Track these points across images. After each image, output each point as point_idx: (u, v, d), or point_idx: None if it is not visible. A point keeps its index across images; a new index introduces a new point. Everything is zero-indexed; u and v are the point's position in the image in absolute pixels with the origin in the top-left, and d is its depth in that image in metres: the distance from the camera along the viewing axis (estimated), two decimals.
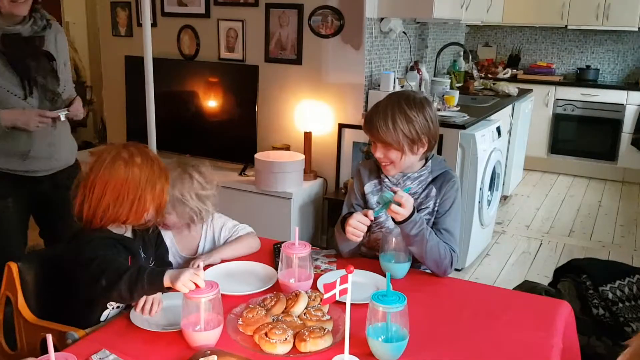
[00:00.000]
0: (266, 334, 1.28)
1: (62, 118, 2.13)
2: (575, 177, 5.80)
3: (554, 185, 5.58)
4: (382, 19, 3.50)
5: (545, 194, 5.30)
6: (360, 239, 1.72)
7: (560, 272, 2.34)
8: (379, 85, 3.50)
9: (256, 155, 3.42)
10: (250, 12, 3.63)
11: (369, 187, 1.89)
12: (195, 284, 1.29)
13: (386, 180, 1.85)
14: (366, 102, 3.50)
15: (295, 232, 1.58)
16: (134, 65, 4.01)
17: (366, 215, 1.70)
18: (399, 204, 1.63)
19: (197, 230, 1.87)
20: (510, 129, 4.52)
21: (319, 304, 1.42)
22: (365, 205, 1.87)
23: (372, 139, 1.77)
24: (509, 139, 4.52)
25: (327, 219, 3.45)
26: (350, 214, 1.76)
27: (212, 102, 3.76)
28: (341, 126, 3.53)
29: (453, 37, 4.85)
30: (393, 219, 1.69)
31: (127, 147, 1.51)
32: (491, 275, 3.54)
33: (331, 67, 3.48)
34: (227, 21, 3.73)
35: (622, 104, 5.53)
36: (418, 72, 3.94)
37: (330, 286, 1.21)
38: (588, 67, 5.95)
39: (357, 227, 1.69)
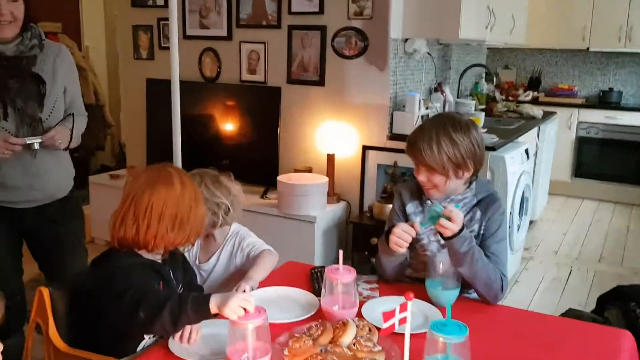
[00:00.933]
0: None
1: (36, 146, 1.90)
2: (601, 202, 5.66)
3: (580, 210, 5.44)
4: (406, 40, 3.45)
5: (571, 218, 5.17)
6: (404, 250, 1.62)
7: (605, 300, 2.22)
8: (404, 107, 3.43)
9: (279, 178, 3.35)
10: (273, 34, 3.59)
11: (410, 207, 1.81)
12: (244, 309, 1.20)
13: (428, 202, 1.77)
14: (391, 123, 3.43)
15: (340, 255, 1.50)
16: (155, 88, 3.99)
17: (412, 227, 1.61)
18: (448, 219, 1.54)
19: (217, 239, 1.89)
20: (536, 151, 4.42)
21: (368, 333, 1.33)
22: None
23: (415, 162, 1.70)
24: (534, 162, 4.41)
25: (351, 243, 3.35)
26: (389, 230, 1.67)
27: (233, 125, 3.71)
28: (365, 148, 3.45)
29: (474, 60, 4.79)
30: (441, 235, 1.60)
31: (170, 167, 1.46)
32: (523, 303, 3.40)
33: (355, 88, 3.42)
34: (249, 43, 3.69)
35: None
36: (442, 94, 3.88)
37: (389, 315, 1.11)
38: (611, 89, 5.85)
39: (401, 236, 1.60)
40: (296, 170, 3.56)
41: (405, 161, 3.31)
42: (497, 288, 1.63)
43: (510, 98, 5.77)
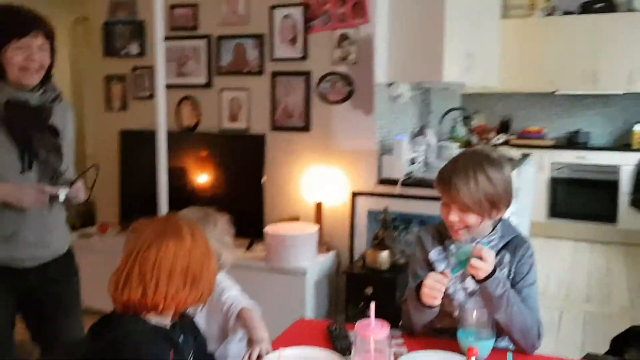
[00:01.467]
0: None
1: (62, 198, 1.85)
2: (577, 241, 5.69)
3: (558, 251, 5.44)
4: (390, 84, 3.42)
5: (551, 260, 5.15)
6: (439, 302, 1.52)
7: (621, 341, 2.13)
8: (391, 151, 3.38)
9: (266, 229, 3.21)
10: (255, 81, 3.52)
11: (434, 254, 1.70)
12: None
13: (451, 247, 1.66)
14: (379, 168, 3.35)
15: (371, 308, 1.36)
16: (130, 139, 3.84)
17: (443, 274, 1.51)
18: (480, 258, 1.44)
19: None
20: (517, 193, 4.42)
21: None
22: None
23: (447, 200, 1.60)
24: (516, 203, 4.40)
25: (344, 295, 3.20)
26: (419, 284, 1.55)
27: (215, 175, 3.58)
28: (355, 194, 3.36)
29: (451, 104, 4.82)
30: (474, 278, 1.49)
31: (177, 219, 1.31)
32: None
33: (341, 134, 3.36)
34: (231, 91, 3.61)
35: (617, 165, 5.52)
36: (424, 138, 3.85)
37: None
38: (579, 130, 5.99)
39: (434, 287, 1.49)
40: (283, 220, 3.42)
41: (396, 206, 3.23)
42: (535, 335, 1.53)
43: (484, 141, 5.83)
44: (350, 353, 1.47)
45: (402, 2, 3.30)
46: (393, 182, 3.27)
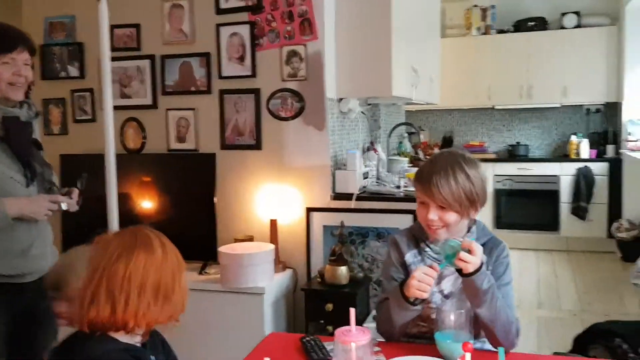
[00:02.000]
0: None
1: (64, 207, 1.90)
2: (523, 250, 5.85)
3: None
4: (340, 100, 3.44)
5: None
6: (427, 295, 1.49)
7: (585, 339, 2.18)
8: (344, 165, 3.37)
9: (220, 249, 3.11)
10: (203, 100, 3.45)
11: (410, 256, 1.67)
12: None
13: (427, 250, 1.65)
14: (333, 183, 3.34)
15: (351, 314, 1.32)
16: (71, 163, 3.67)
17: (432, 268, 1.49)
18: (469, 252, 1.43)
19: None
20: None
21: None
22: (408, 276, 1.64)
23: (426, 199, 1.58)
24: None
25: (304, 312, 3.13)
26: (403, 281, 1.53)
27: (163, 197, 3.45)
28: (309, 210, 3.32)
29: (397, 120, 4.89)
30: (460, 273, 1.49)
31: (147, 229, 1.24)
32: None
33: (294, 150, 3.32)
34: (177, 110, 3.52)
35: (557, 175, 5.75)
36: (375, 152, 3.88)
37: None
38: (518, 143, 6.21)
39: (423, 279, 1.46)
40: (237, 240, 3.33)
41: (352, 220, 3.21)
42: (514, 332, 1.54)
43: (428, 157, 5.94)
44: None
45: (350, 19, 3.33)
46: (348, 197, 3.26)
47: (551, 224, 5.79)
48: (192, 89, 3.47)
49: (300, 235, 3.34)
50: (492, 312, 1.49)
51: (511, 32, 6.02)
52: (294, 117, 3.29)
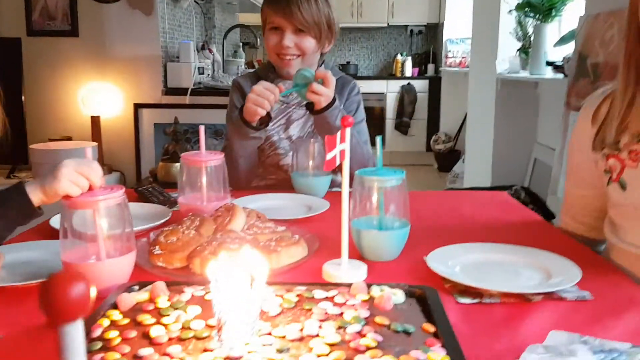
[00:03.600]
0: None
1: None
2: None
3: None
4: None
5: None
6: (264, 113, 1.31)
7: None
8: (177, 58, 3.09)
9: (32, 146, 2.69)
10: None
11: None
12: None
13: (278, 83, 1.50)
14: (165, 76, 3.05)
15: (201, 132, 1.16)
16: None
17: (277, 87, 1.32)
18: (322, 83, 1.31)
19: None
20: None
21: (257, 220, 1.01)
22: None
23: (284, 21, 1.41)
24: None
25: None
26: (243, 106, 1.36)
27: None
28: (137, 106, 3.00)
29: (231, 23, 4.61)
30: (310, 108, 1.36)
31: None
32: None
33: (118, 38, 2.95)
34: None
35: (384, 93, 5.98)
36: (210, 52, 3.63)
37: (331, 142, 0.84)
38: (348, 63, 6.32)
39: (262, 93, 1.29)
40: (51, 140, 2.92)
41: (186, 117, 2.98)
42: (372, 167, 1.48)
43: None
44: (172, 205, 1.26)
45: None
46: (182, 92, 3.01)
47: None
48: None
49: (127, 134, 3.03)
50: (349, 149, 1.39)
51: None
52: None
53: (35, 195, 0.87)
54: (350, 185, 0.90)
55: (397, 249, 0.94)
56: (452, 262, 0.89)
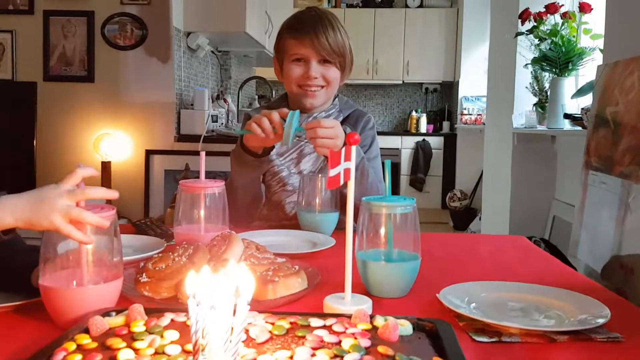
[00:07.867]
0: None
1: None
2: None
3: None
4: (188, 34, 3.15)
5: None
6: (264, 135, 1.19)
7: None
8: (191, 105, 3.10)
9: None
10: (23, 21, 2.96)
11: None
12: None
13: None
14: (178, 123, 3.04)
15: (201, 158, 1.10)
16: None
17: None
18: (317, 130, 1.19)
19: None
20: None
21: (256, 251, 0.94)
22: None
23: (311, 51, 1.35)
24: None
25: None
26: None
27: None
28: (148, 152, 2.99)
29: (248, 75, 4.66)
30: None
31: None
32: None
33: (133, 84, 2.98)
34: None
35: (398, 148, 5.95)
36: (225, 102, 3.64)
37: (335, 158, 0.77)
38: None
39: (263, 118, 1.18)
40: None
41: (198, 164, 2.95)
42: None
43: None
44: (169, 239, 1.19)
45: None
46: (194, 139, 2.99)
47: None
48: (10, 7, 2.95)
49: (137, 180, 3.00)
50: (363, 188, 1.29)
51: (359, 7, 6.14)
52: (134, 47, 2.94)
53: (6, 219, 0.77)
54: (356, 219, 0.83)
55: (406, 284, 0.86)
56: (467, 298, 0.81)
